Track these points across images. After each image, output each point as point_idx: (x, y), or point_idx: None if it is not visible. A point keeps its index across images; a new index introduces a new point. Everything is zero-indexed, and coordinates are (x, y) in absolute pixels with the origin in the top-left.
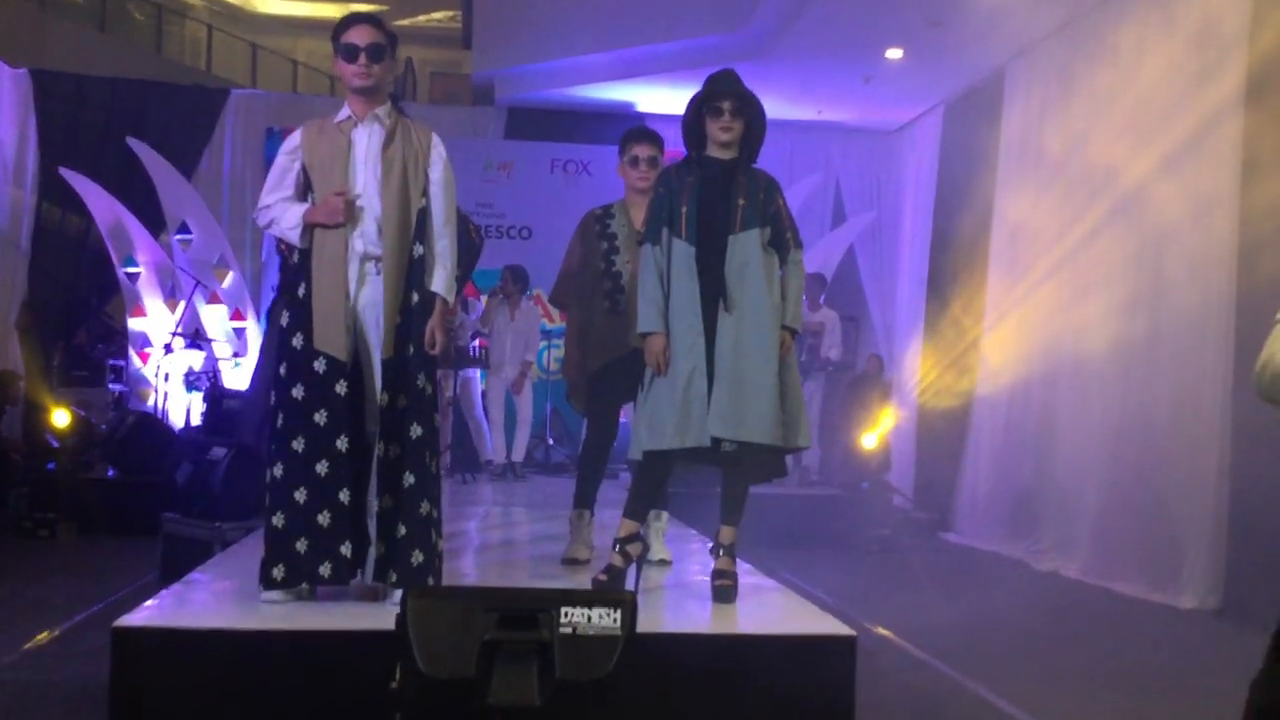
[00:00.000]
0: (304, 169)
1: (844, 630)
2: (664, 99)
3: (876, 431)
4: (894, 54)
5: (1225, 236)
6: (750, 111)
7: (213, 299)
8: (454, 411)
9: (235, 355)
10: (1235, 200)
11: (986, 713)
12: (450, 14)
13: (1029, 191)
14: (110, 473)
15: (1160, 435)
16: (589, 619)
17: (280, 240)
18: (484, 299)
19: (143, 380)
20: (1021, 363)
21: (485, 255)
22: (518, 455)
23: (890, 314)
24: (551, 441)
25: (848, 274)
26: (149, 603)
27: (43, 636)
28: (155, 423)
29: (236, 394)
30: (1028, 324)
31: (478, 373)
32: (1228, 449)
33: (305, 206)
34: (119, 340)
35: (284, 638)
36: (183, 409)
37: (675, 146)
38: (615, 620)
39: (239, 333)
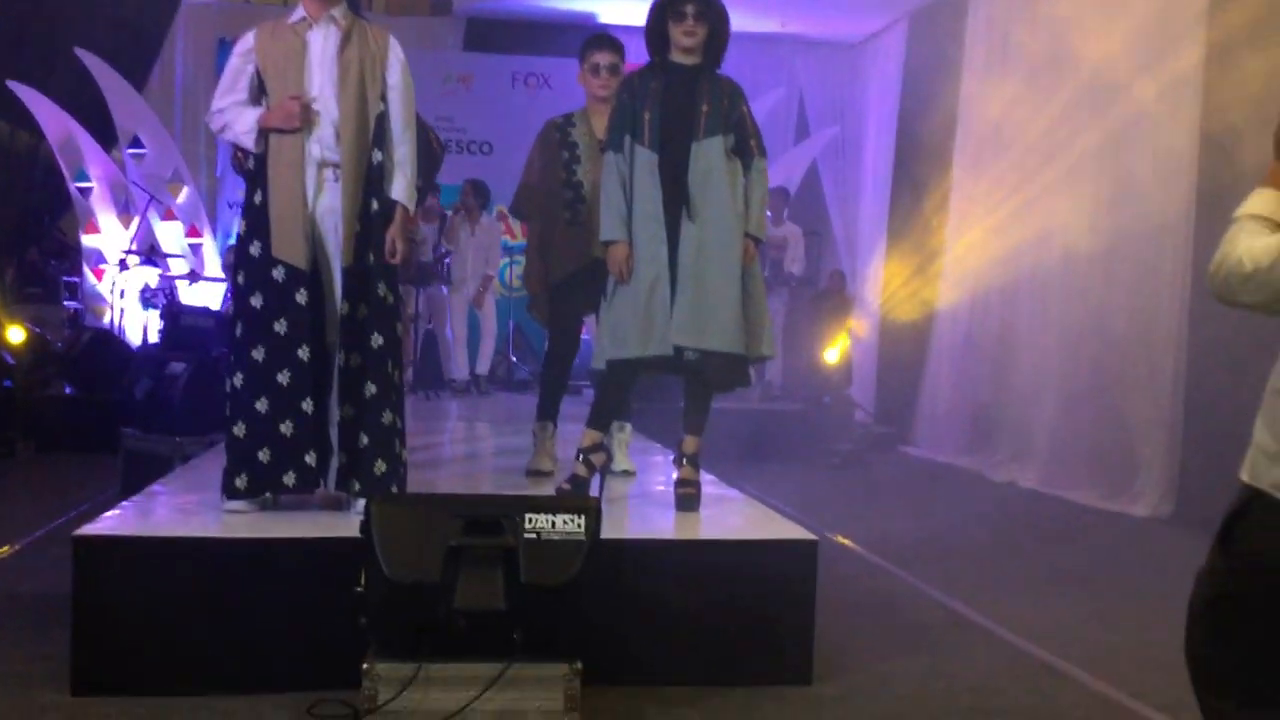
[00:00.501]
0: (258, 72)
1: (805, 534)
2: (627, 9)
3: (838, 347)
4: None
5: (1184, 145)
6: (713, 15)
7: (168, 215)
8: (416, 328)
9: (192, 272)
10: (1196, 106)
11: (943, 615)
12: None
13: (992, 103)
14: (68, 390)
15: (1117, 346)
16: (553, 524)
17: (235, 147)
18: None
19: (98, 297)
20: (982, 276)
21: (446, 171)
22: (482, 369)
23: (853, 229)
24: (515, 358)
25: (811, 189)
26: (110, 513)
27: (3, 550)
28: (112, 339)
29: (196, 310)
30: (989, 237)
31: (446, 290)
32: (1183, 359)
33: (260, 110)
34: (73, 256)
35: (248, 545)
36: (139, 326)
37: (639, 57)
38: (579, 525)
39: (195, 249)
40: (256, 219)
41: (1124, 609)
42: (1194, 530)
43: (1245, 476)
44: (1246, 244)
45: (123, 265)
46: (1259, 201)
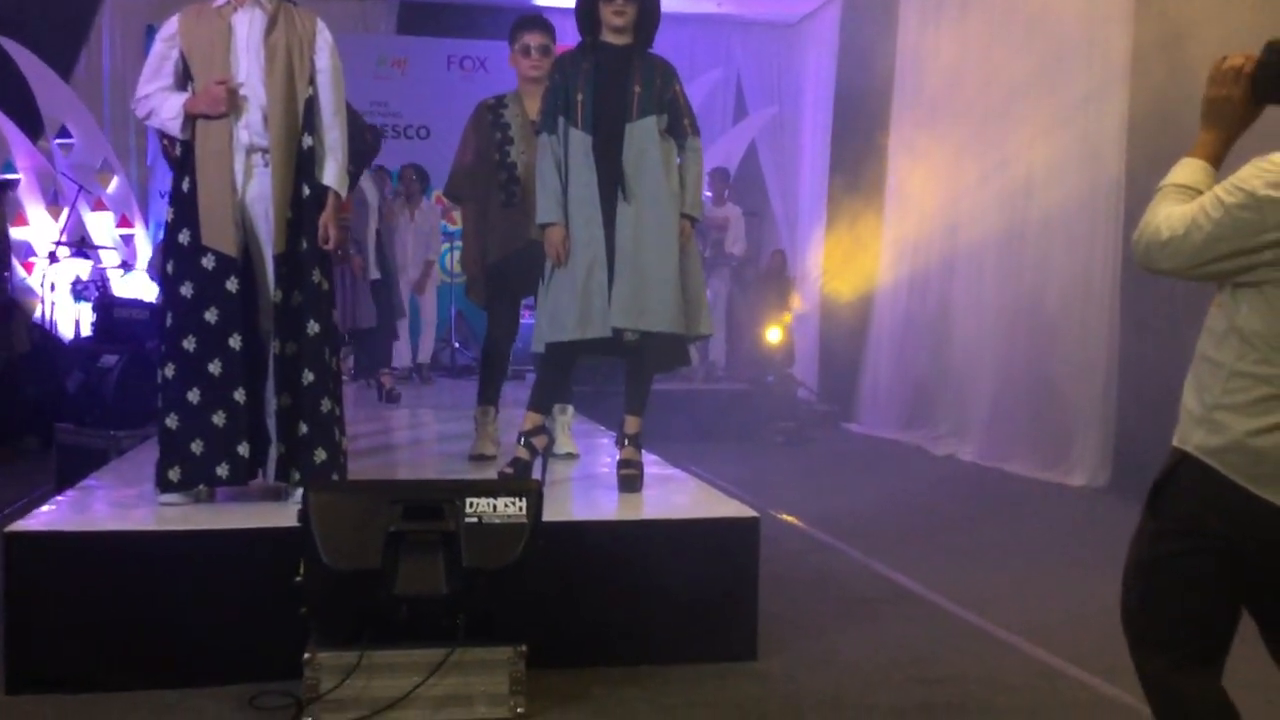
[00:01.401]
0: (182, 56)
1: (747, 512)
2: None
3: (779, 327)
4: None
5: (1115, 121)
6: None
7: (98, 205)
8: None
9: (123, 263)
10: (1125, 83)
11: (886, 588)
12: None
13: (926, 83)
14: None
15: (1051, 320)
16: (494, 508)
17: (162, 134)
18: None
19: (28, 290)
20: (919, 253)
21: (383, 155)
22: (424, 357)
23: (793, 209)
24: (457, 345)
25: (750, 169)
26: (43, 508)
27: None
28: (43, 333)
29: (128, 302)
30: (925, 215)
31: None
32: (1116, 331)
33: (185, 96)
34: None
35: (182, 537)
36: (71, 319)
37: (572, 39)
38: (521, 509)
39: (126, 240)
40: (185, 206)
41: (1062, 577)
42: (1129, 499)
43: (1175, 440)
44: (1165, 212)
45: (53, 258)
46: (1183, 171)
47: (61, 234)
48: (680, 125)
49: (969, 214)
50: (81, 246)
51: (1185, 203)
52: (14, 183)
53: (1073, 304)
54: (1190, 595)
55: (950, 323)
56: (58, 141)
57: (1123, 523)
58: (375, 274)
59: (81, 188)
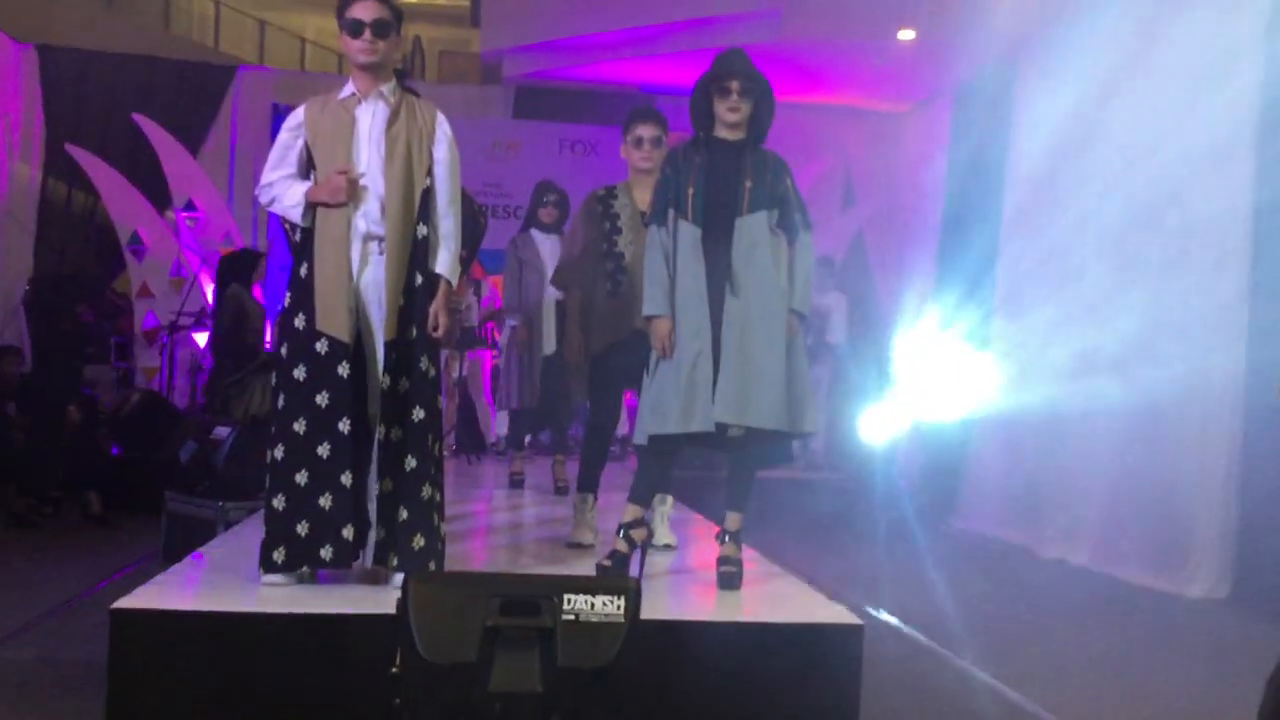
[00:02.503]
0: (306, 146)
1: (851, 619)
2: (674, 78)
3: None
4: (906, 35)
5: (1237, 215)
6: (758, 92)
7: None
8: (461, 393)
9: None
10: (1248, 178)
11: (992, 701)
12: None
13: (1039, 175)
14: (115, 450)
15: (1169, 421)
16: (592, 605)
17: (283, 219)
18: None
19: (149, 358)
20: (1030, 346)
21: (494, 235)
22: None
23: (899, 299)
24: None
25: (856, 258)
26: (147, 584)
27: (43, 615)
28: (160, 401)
29: None
30: (1037, 309)
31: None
32: (1238, 434)
33: (308, 184)
34: (125, 317)
35: (283, 620)
36: (188, 388)
37: (684, 124)
38: (619, 607)
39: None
40: (302, 291)
41: (1177, 695)
42: (1251, 613)
43: None
44: None
45: (174, 328)
46: None
47: (183, 305)
48: (791, 220)
49: (1080, 307)
50: (201, 317)
51: None
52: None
53: (1193, 402)
54: None
55: (1061, 419)
56: (184, 215)
57: (1244, 638)
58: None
59: (204, 260)
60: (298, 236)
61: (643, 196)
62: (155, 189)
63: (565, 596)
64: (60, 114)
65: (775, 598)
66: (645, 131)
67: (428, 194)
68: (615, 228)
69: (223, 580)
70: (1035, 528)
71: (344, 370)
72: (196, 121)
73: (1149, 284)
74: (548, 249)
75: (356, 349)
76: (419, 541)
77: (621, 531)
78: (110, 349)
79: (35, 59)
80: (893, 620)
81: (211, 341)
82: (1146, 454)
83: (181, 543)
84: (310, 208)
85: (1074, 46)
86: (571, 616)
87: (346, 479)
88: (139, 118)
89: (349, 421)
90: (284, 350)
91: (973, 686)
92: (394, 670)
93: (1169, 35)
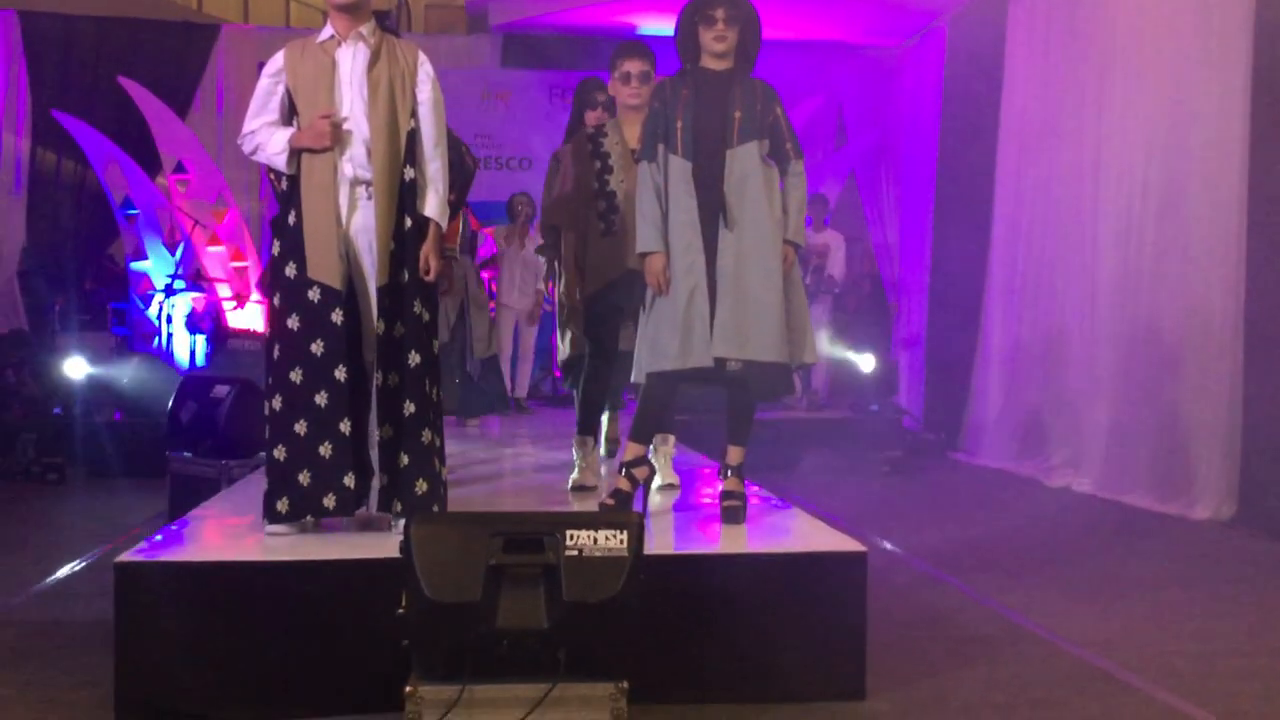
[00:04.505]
0: (288, 92)
1: (854, 546)
2: (664, 20)
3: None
4: None
5: (1235, 139)
6: (744, 18)
7: (213, 239)
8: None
9: (236, 295)
10: (1245, 98)
11: (1000, 626)
12: None
13: (1035, 104)
14: (117, 415)
15: (1170, 345)
16: (595, 541)
17: (269, 169)
18: (487, 231)
19: (145, 323)
20: (1029, 277)
21: (487, 186)
22: (520, 391)
23: (895, 235)
24: (559, 374)
25: (851, 196)
26: (152, 539)
27: (52, 577)
28: (159, 364)
29: (242, 333)
30: (1035, 238)
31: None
32: (1239, 357)
33: (291, 131)
34: (121, 284)
35: (288, 568)
36: (186, 350)
37: (674, 67)
38: (622, 542)
39: (241, 271)
40: (291, 240)
41: (1186, 616)
42: (1256, 533)
43: None
44: None
45: (169, 290)
46: None
47: (178, 267)
48: (783, 149)
49: (1082, 237)
50: (196, 279)
51: None
52: (133, 217)
53: (1193, 328)
54: None
55: (1063, 349)
56: (175, 178)
57: (1249, 558)
58: None
59: (197, 222)
60: (284, 184)
61: (632, 133)
62: (145, 153)
63: (568, 533)
64: (45, 80)
65: (778, 530)
66: (632, 66)
67: (413, 136)
68: (606, 166)
69: (226, 532)
70: (1039, 458)
71: (338, 318)
72: (183, 83)
73: (1146, 202)
74: None
75: (349, 295)
76: (421, 486)
77: (623, 470)
78: (106, 315)
79: (17, 24)
80: (898, 551)
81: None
82: (1148, 380)
83: (186, 503)
84: (295, 154)
85: None
86: (575, 552)
87: (345, 427)
88: (125, 81)
89: (345, 369)
90: (276, 300)
91: (978, 612)
92: (400, 611)
93: None
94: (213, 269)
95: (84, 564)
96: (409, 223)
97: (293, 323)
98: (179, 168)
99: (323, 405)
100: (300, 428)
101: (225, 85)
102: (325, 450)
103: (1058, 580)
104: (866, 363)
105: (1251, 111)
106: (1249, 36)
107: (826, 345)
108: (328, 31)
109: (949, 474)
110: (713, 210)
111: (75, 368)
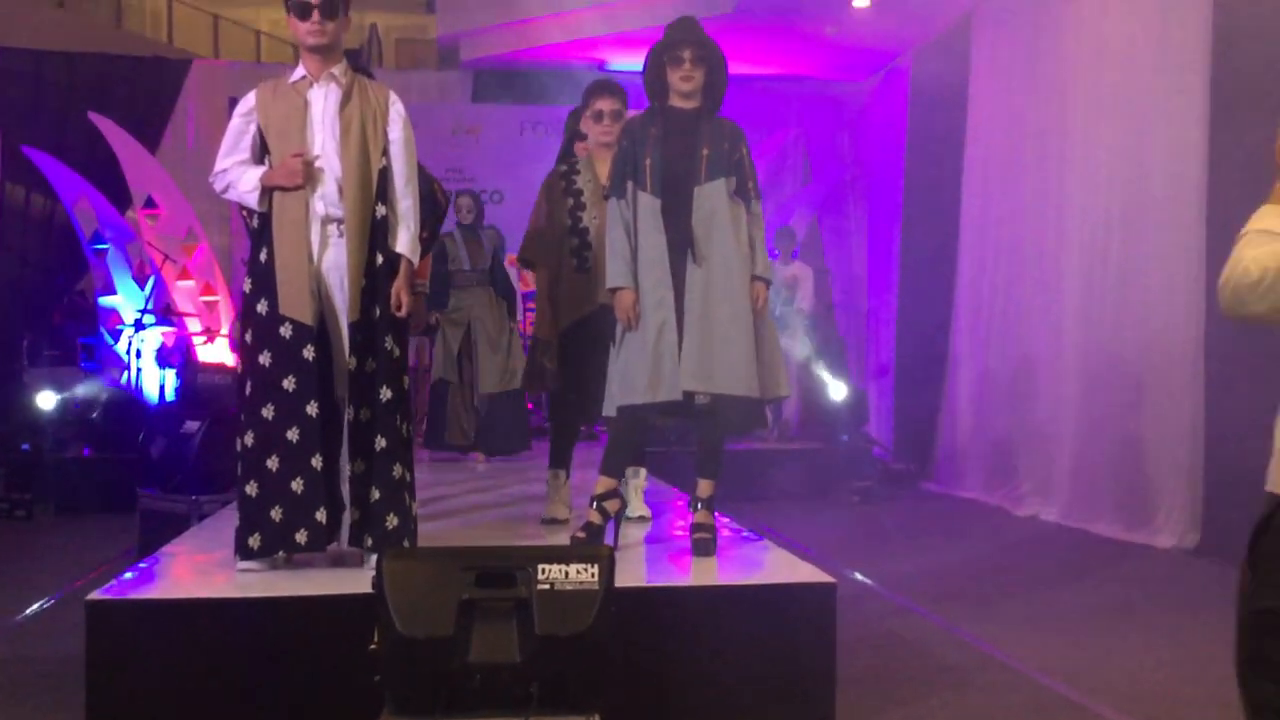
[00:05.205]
0: (260, 131)
1: (823, 577)
2: (634, 56)
3: (845, 384)
4: (861, 3)
5: (1195, 169)
6: (711, 59)
7: (182, 274)
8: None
9: (206, 329)
10: (1204, 142)
11: (969, 655)
12: None
13: (998, 135)
14: (86, 451)
15: (1134, 375)
16: (566, 574)
17: (241, 206)
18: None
19: (115, 358)
20: (996, 309)
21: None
22: None
23: (863, 268)
24: (531, 406)
25: (813, 236)
26: (124, 575)
27: (20, 614)
28: (129, 399)
29: (212, 367)
30: (1001, 270)
31: None
32: (1201, 388)
33: (263, 169)
34: (90, 318)
35: (260, 605)
36: (156, 385)
37: (642, 104)
38: (593, 575)
39: (210, 307)
40: (263, 277)
41: (1151, 644)
42: (1220, 562)
43: (1268, 486)
44: (1252, 254)
45: (139, 325)
46: (1265, 217)
47: (147, 302)
48: (745, 189)
49: (1048, 268)
50: (166, 314)
51: (1272, 244)
52: (102, 252)
53: (1155, 358)
54: None
55: (1030, 379)
56: (144, 212)
57: (1214, 586)
58: None
59: (167, 257)
60: (255, 222)
61: (604, 170)
62: (114, 188)
63: (539, 566)
64: (14, 116)
65: (749, 562)
66: (605, 105)
67: (384, 174)
68: (579, 203)
69: (198, 569)
70: (1008, 487)
71: (309, 353)
72: (153, 118)
73: (1109, 233)
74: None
75: (321, 331)
76: (392, 521)
77: (594, 503)
78: (76, 350)
79: None
80: (868, 582)
81: None
82: (1112, 410)
83: (157, 539)
84: (267, 192)
85: (1027, 6)
86: (546, 586)
87: (317, 462)
88: (95, 116)
89: (317, 405)
90: (248, 336)
91: (948, 641)
92: (372, 647)
93: None
94: (182, 303)
95: (53, 601)
96: (380, 259)
97: (265, 359)
98: (149, 202)
99: (295, 441)
100: (272, 463)
101: (196, 120)
102: (298, 486)
103: (1025, 609)
104: (838, 390)
105: (1209, 145)
106: (1205, 70)
107: (801, 347)
108: (300, 72)
109: (919, 504)
110: (681, 246)
111: (44, 402)
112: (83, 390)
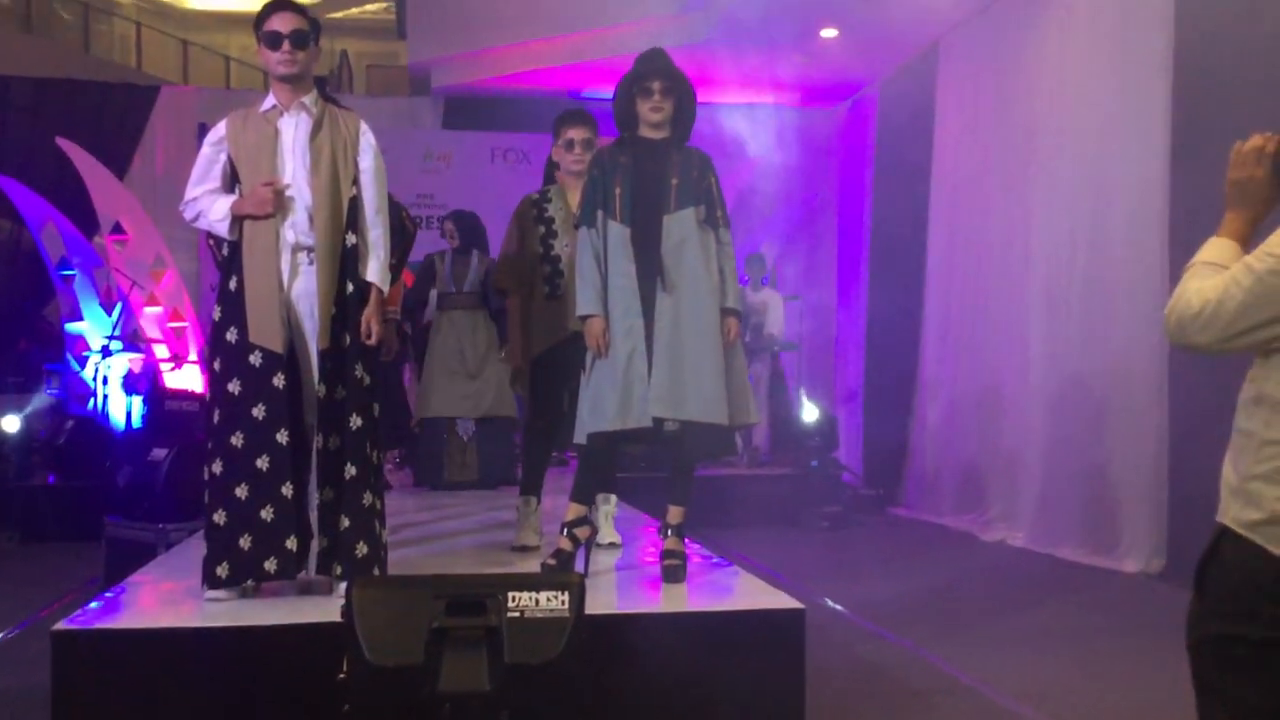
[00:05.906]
0: (230, 160)
1: (792, 604)
2: (605, 84)
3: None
4: (829, 33)
5: (1157, 201)
6: (680, 90)
7: (150, 300)
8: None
9: (174, 356)
10: (1166, 171)
11: (937, 679)
12: (384, 4)
13: (963, 163)
14: (51, 479)
15: (1099, 401)
16: (536, 602)
17: (210, 234)
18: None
19: (81, 384)
20: (963, 335)
21: (430, 246)
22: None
23: (831, 294)
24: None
25: (789, 254)
26: (90, 605)
27: None
28: (95, 426)
29: (180, 394)
30: (968, 296)
31: None
32: (1165, 413)
33: (233, 198)
34: (57, 344)
35: (229, 634)
36: (122, 412)
37: (613, 132)
38: (563, 602)
39: (178, 333)
40: (232, 305)
41: (1118, 667)
42: (1186, 586)
43: (1217, 514)
44: (1196, 286)
45: (105, 352)
46: (1210, 250)
47: (115, 328)
48: (714, 217)
49: (1014, 297)
50: (133, 340)
51: (1215, 277)
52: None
53: (1120, 384)
54: (1239, 680)
55: (997, 405)
56: (112, 238)
57: (1179, 611)
58: None
59: (135, 283)
60: (225, 251)
61: (575, 199)
62: (82, 214)
63: (509, 594)
64: None
65: (718, 588)
66: (576, 134)
67: (355, 203)
68: (550, 231)
69: (165, 598)
70: (975, 513)
71: (279, 382)
72: (121, 144)
73: (1074, 266)
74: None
75: (291, 359)
76: (362, 549)
77: (565, 530)
78: (41, 377)
79: None
80: (838, 607)
81: None
82: (1078, 435)
83: (123, 567)
84: (237, 221)
85: (992, 37)
86: (517, 614)
87: (287, 490)
88: (63, 142)
89: (287, 433)
90: (217, 365)
91: (916, 667)
92: (341, 676)
93: (1084, 22)
94: (150, 330)
95: (18, 631)
96: (350, 287)
97: (234, 387)
98: (117, 228)
99: (264, 469)
100: (241, 491)
101: (164, 146)
102: (267, 514)
103: (993, 633)
104: (810, 413)
105: (1170, 173)
106: (1166, 99)
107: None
108: (270, 101)
109: (887, 529)
110: (651, 274)
111: (8, 428)
112: (48, 417)
